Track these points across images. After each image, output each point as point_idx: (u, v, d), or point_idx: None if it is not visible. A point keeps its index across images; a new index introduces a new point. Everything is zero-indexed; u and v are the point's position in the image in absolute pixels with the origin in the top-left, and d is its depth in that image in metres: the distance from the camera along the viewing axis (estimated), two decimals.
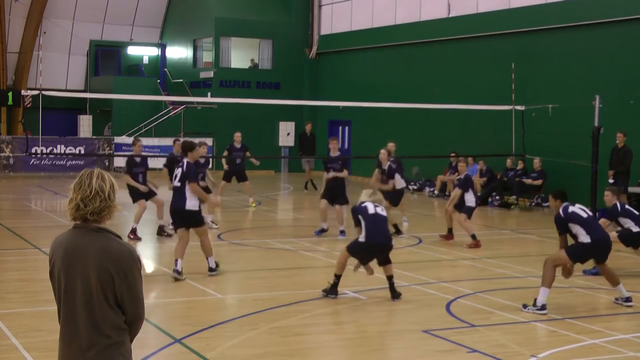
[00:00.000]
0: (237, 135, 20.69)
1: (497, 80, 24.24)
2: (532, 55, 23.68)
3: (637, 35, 20.90)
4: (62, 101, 29.12)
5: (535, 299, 10.07)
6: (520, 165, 22.82)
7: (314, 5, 34.05)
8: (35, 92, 18.17)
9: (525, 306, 10.13)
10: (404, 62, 29.07)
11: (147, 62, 38.05)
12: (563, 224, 10.37)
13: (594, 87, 20.53)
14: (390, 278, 10.69)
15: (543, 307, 9.97)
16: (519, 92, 21.71)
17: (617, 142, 18.96)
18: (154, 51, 38.08)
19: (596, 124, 18.59)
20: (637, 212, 12.97)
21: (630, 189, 19.08)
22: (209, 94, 32.52)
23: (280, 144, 32.79)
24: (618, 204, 12.79)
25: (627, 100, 20.51)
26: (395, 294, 10.65)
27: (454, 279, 12.14)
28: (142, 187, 15.63)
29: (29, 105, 29.91)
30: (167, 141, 29.72)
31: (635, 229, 12.58)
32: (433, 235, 16.43)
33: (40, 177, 28.69)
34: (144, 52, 38.21)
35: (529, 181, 22.15)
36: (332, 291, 10.69)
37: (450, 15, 27.24)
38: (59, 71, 36.04)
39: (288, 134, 32.65)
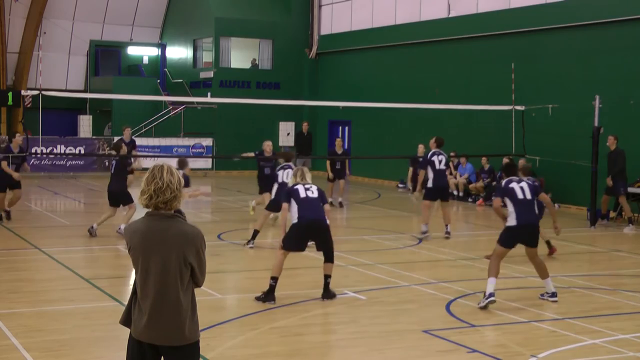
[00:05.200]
0: (338, 142, 22.50)
1: (497, 80, 24.22)
2: (532, 55, 23.67)
3: (637, 35, 20.89)
4: (62, 101, 29.07)
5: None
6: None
7: (314, 5, 34.04)
8: (35, 92, 18.15)
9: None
10: (404, 62, 29.06)
11: (147, 62, 38.05)
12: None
13: (594, 87, 20.53)
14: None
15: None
16: (519, 92, 21.72)
17: (608, 144, 18.74)
18: (154, 51, 38.08)
19: (596, 124, 18.59)
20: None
21: (630, 189, 19.07)
22: (209, 94, 32.48)
23: (280, 144, 32.68)
24: None
25: (627, 100, 20.51)
26: (328, 294, 10.50)
27: (454, 279, 12.14)
28: (15, 175, 17.06)
29: (29, 106, 29.86)
30: (167, 141, 29.74)
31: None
32: (434, 235, 16.42)
33: (40, 177, 28.66)
34: (144, 52, 38.21)
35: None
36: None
37: (450, 15, 27.23)
38: (59, 71, 36.03)
39: (288, 134, 32.58)
